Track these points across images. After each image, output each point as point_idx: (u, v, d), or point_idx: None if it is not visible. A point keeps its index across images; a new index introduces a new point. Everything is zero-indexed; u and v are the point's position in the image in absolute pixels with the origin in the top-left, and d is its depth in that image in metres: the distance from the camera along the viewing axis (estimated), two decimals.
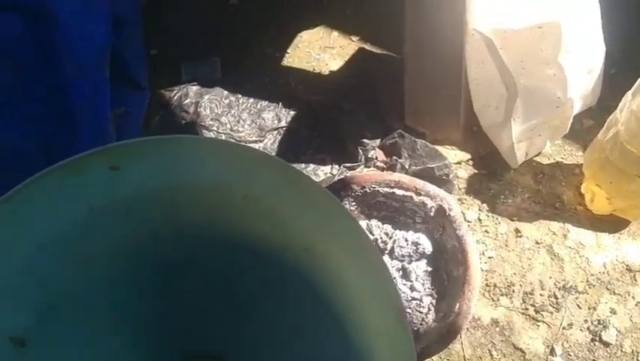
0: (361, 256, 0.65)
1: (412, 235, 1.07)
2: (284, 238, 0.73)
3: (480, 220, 1.19)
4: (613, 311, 1.10)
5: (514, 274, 1.14)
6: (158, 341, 0.82)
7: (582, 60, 1.18)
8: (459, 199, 1.21)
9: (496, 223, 1.19)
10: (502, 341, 1.08)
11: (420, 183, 1.05)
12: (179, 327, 0.81)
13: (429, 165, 1.17)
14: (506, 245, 1.17)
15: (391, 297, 0.60)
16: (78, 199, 0.65)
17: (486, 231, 1.18)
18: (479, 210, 1.21)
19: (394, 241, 1.07)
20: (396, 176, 1.05)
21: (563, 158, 1.28)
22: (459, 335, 1.05)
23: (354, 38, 1.48)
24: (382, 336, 0.62)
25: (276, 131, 1.31)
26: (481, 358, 1.06)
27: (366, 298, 0.63)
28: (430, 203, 1.04)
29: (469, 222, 1.18)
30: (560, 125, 1.23)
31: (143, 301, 0.78)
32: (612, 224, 1.19)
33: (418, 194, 1.04)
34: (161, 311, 0.81)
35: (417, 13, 1.12)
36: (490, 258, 1.15)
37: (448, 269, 1.03)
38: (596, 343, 1.07)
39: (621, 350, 1.07)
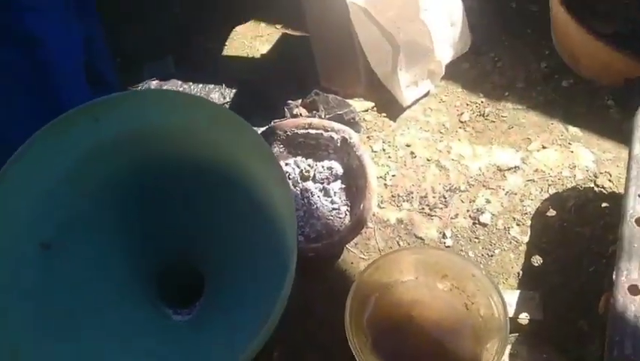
0: (262, 157, 1.01)
1: (327, 163, 1.42)
2: (217, 156, 1.08)
3: (384, 150, 1.55)
4: (488, 201, 1.45)
5: (412, 185, 1.49)
6: (142, 252, 1.16)
7: (442, 15, 1.54)
8: (367, 137, 1.57)
9: (396, 150, 1.54)
10: (406, 233, 1.43)
11: (326, 123, 1.40)
12: (155, 238, 1.16)
13: (338, 113, 1.52)
14: (405, 165, 1.52)
15: (278, 171, 0.95)
16: (76, 142, 1.00)
17: (389, 157, 1.53)
18: (383, 142, 1.56)
19: (315, 169, 1.42)
20: (308, 119, 1.41)
21: (445, 95, 1.64)
22: (373, 231, 1.41)
23: (278, 26, 1.83)
24: (277, 193, 0.97)
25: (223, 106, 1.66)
26: (391, 247, 1.41)
27: (265, 176, 0.99)
28: (335, 136, 1.39)
29: (375, 152, 1.54)
30: (435, 70, 1.59)
31: (129, 219, 1.13)
32: (485, 139, 1.55)
33: (326, 130, 1.40)
34: (142, 229, 1.15)
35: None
36: (393, 176, 1.50)
37: (355, 183, 1.38)
38: (477, 225, 1.42)
39: (496, 228, 1.41)
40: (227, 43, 1.81)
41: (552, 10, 1.61)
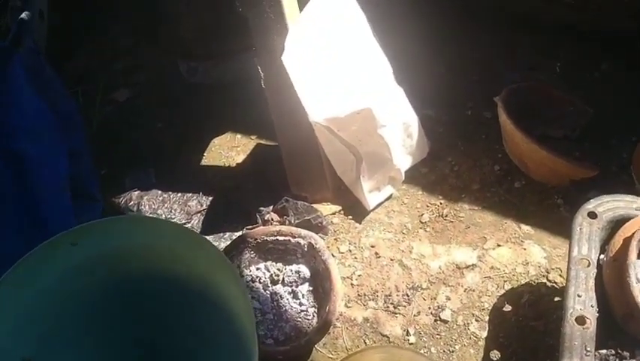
0: (226, 273, 1.11)
1: (295, 267, 1.52)
2: (188, 270, 1.18)
3: (350, 251, 1.65)
4: (448, 298, 1.54)
5: (377, 284, 1.58)
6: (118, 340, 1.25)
7: (399, 129, 1.70)
8: (335, 238, 1.68)
9: (361, 251, 1.65)
10: (372, 331, 1.51)
11: (294, 230, 1.52)
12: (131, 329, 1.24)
13: (306, 218, 1.64)
14: (370, 265, 1.62)
15: (240, 284, 1.05)
16: (56, 263, 1.11)
17: (355, 257, 1.64)
18: (349, 243, 1.67)
19: (284, 273, 1.52)
20: (277, 227, 1.52)
21: (407, 198, 1.77)
22: (340, 330, 1.49)
23: (253, 137, 1.98)
24: (237, 301, 1.06)
25: (199, 213, 1.78)
26: (358, 346, 1.49)
27: (227, 288, 1.09)
28: (302, 242, 1.50)
29: (342, 253, 1.65)
30: (395, 176, 1.73)
31: (107, 320, 1.22)
32: (444, 238, 1.66)
33: (294, 237, 1.51)
34: (120, 325, 1.24)
35: (278, 113, 1.62)
36: (359, 275, 1.60)
37: (322, 285, 1.48)
38: (438, 322, 1.51)
39: (456, 324, 1.50)
40: (205, 154, 1.95)
41: (500, 120, 1.77)
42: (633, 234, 1.22)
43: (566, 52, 2.13)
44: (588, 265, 1.27)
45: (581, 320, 1.18)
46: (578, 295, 1.23)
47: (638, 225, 1.25)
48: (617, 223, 1.31)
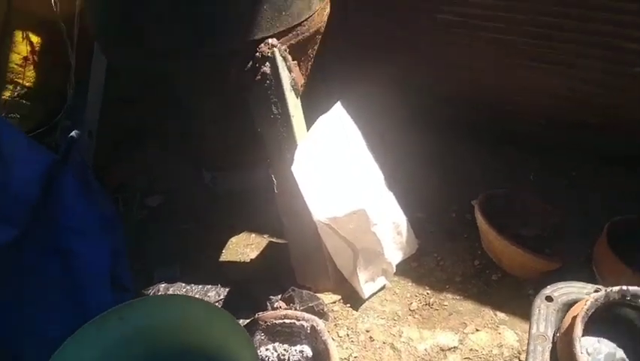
0: (243, 343, 1.37)
1: (299, 347, 1.76)
2: (210, 343, 1.44)
3: (348, 335, 1.89)
4: None
5: None
6: None
7: (390, 227, 1.99)
8: (334, 324, 1.92)
9: (357, 335, 1.88)
10: None
11: (298, 313, 1.77)
12: None
13: (310, 305, 1.89)
14: (365, 348, 1.85)
15: (251, 349, 1.31)
16: (107, 334, 1.37)
17: (352, 341, 1.87)
18: (347, 328, 1.91)
19: (289, 353, 1.76)
20: (284, 311, 1.78)
21: (398, 288, 2.03)
22: None
23: (265, 236, 2.28)
24: None
25: (218, 303, 2.04)
26: None
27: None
28: (306, 324, 1.75)
29: (340, 337, 1.88)
30: (387, 269, 2.00)
31: None
32: (430, 324, 1.90)
33: (298, 320, 1.76)
34: None
35: (288, 215, 1.93)
36: (355, 357, 1.83)
37: None
38: None
39: None
40: (224, 251, 2.24)
41: (477, 221, 2.06)
42: (579, 313, 1.46)
43: (539, 163, 2.46)
44: (545, 341, 1.50)
45: None
46: None
47: (583, 305, 1.49)
48: (570, 305, 1.55)
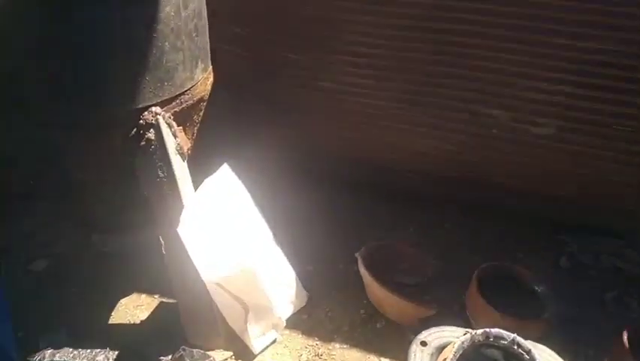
0: None
1: None
2: None
3: None
4: None
5: None
6: None
7: (278, 282, 2.07)
8: None
9: None
10: None
11: None
12: None
13: None
14: None
15: None
16: None
17: None
18: None
19: None
20: None
21: (288, 341, 2.10)
22: None
23: (156, 296, 2.28)
24: None
25: None
26: None
27: None
28: None
29: None
30: (278, 323, 2.07)
31: None
32: None
33: None
34: None
35: (176, 275, 1.96)
36: None
37: None
38: None
39: None
40: (113, 314, 2.21)
41: (361, 272, 2.19)
42: (448, 355, 1.60)
43: (418, 215, 2.66)
44: None
45: None
46: None
47: (451, 348, 1.63)
48: (442, 348, 1.69)
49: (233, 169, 2.07)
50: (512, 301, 2.12)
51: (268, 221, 2.15)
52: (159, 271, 2.05)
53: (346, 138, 2.67)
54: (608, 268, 2.43)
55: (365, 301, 2.24)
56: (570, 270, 2.43)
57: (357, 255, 2.20)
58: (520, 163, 2.46)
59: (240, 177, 2.09)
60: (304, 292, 2.21)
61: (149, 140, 1.78)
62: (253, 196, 2.13)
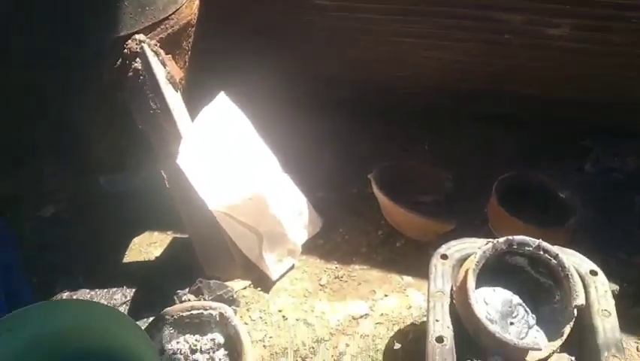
0: (141, 341, 1.34)
1: (210, 335, 1.74)
2: (114, 343, 1.40)
3: (261, 317, 1.89)
4: (347, 345, 1.79)
5: (286, 342, 1.82)
6: None
7: (289, 208, 2.00)
8: (247, 308, 1.92)
9: (270, 316, 1.89)
10: None
11: (205, 303, 1.75)
12: None
13: (218, 294, 1.88)
14: (279, 327, 1.86)
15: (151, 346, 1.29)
16: None
17: (265, 322, 1.88)
18: (260, 311, 1.91)
19: (201, 342, 1.73)
20: (190, 303, 1.76)
21: (307, 266, 2.05)
22: None
23: (169, 233, 2.24)
24: None
25: (124, 304, 1.98)
26: None
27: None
28: (214, 312, 1.73)
29: (253, 320, 1.88)
30: (293, 249, 2.01)
31: None
32: (340, 295, 1.93)
33: (205, 309, 1.74)
34: None
35: (183, 208, 1.90)
36: (270, 337, 1.83)
37: (235, 348, 1.70)
38: None
39: None
40: (127, 253, 2.18)
41: (375, 193, 2.11)
42: (470, 266, 1.53)
43: (431, 134, 2.55)
44: (443, 297, 1.56)
45: (439, 339, 1.45)
46: (437, 320, 1.51)
47: (473, 259, 1.56)
48: (463, 261, 1.62)
49: (232, 98, 1.97)
50: (537, 210, 2.04)
51: (271, 148, 2.06)
52: (170, 207, 1.99)
53: (349, 58, 2.53)
54: (635, 170, 2.32)
55: (382, 222, 2.17)
56: (596, 174, 2.33)
57: (369, 176, 2.11)
58: (536, 68, 2.33)
59: (238, 106, 1.99)
60: (318, 218, 2.14)
61: (136, 70, 1.68)
62: (253, 124, 2.03)
